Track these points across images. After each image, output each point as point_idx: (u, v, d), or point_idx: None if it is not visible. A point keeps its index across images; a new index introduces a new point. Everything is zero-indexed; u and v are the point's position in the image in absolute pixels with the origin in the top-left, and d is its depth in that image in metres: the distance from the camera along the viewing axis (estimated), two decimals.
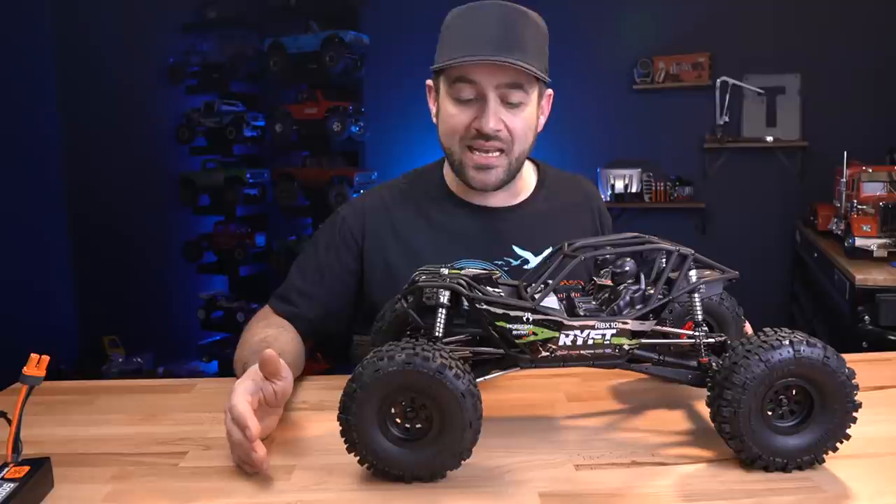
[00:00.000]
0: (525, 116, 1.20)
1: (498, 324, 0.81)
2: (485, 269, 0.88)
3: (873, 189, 2.73)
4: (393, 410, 0.77)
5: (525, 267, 1.27)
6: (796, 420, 0.79)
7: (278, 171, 4.24)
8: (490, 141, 1.18)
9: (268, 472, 0.82)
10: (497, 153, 1.20)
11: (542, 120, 1.29)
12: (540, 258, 1.28)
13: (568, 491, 0.76)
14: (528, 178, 1.37)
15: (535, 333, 0.81)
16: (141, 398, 1.11)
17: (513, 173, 1.25)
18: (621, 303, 0.84)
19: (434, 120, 1.28)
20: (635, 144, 4.12)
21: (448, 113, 1.21)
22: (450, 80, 1.19)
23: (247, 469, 0.83)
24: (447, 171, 1.34)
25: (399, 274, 1.25)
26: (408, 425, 0.77)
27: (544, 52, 1.19)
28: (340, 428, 0.76)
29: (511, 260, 1.29)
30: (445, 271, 0.85)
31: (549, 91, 1.29)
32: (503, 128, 1.18)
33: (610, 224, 1.44)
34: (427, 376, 0.73)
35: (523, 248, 1.29)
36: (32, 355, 0.79)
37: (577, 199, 1.41)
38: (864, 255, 2.61)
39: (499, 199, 1.31)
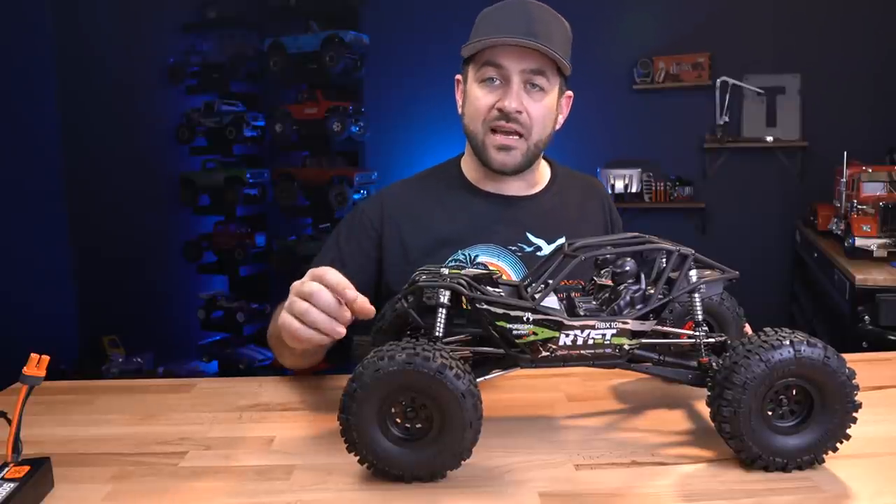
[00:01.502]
0: (545, 104, 1.26)
1: (498, 324, 0.81)
2: (485, 270, 0.88)
3: (873, 189, 2.73)
4: (393, 410, 0.77)
5: (538, 254, 1.30)
6: (796, 420, 0.78)
7: (278, 171, 4.24)
8: (511, 122, 1.24)
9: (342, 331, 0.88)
10: (516, 136, 1.26)
11: (561, 119, 1.35)
12: (552, 246, 1.31)
13: (568, 491, 0.76)
14: (543, 172, 1.42)
15: (535, 333, 0.81)
16: (141, 398, 1.11)
17: (530, 159, 1.29)
18: (621, 303, 0.84)
19: (460, 111, 1.34)
20: (635, 144, 4.12)
21: (474, 95, 1.27)
22: (478, 64, 1.25)
23: (311, 338, 0.89)
24: (465, 163, 1.39)
25: (415, 258, 1.28)
26: (408, 425, 0.77)
27: (567, 50, 1.25)
28: (340, 428, 0.76)
29: (525, 246, 1.31)
30: (445, 271, 0.85)
31: (569, 92, 1.34)
32: (524, 111, 1.23)
33: (620, 222, 1.47)
34: (427, 376, 0.73)
35: (537, 236, 1.32)
36: (32, 355, 0.79)
37: (588, 194, 1.45)
38: (864, 255, 2.61)
39: (515, 189, 1.36)
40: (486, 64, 1.23)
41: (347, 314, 0.89)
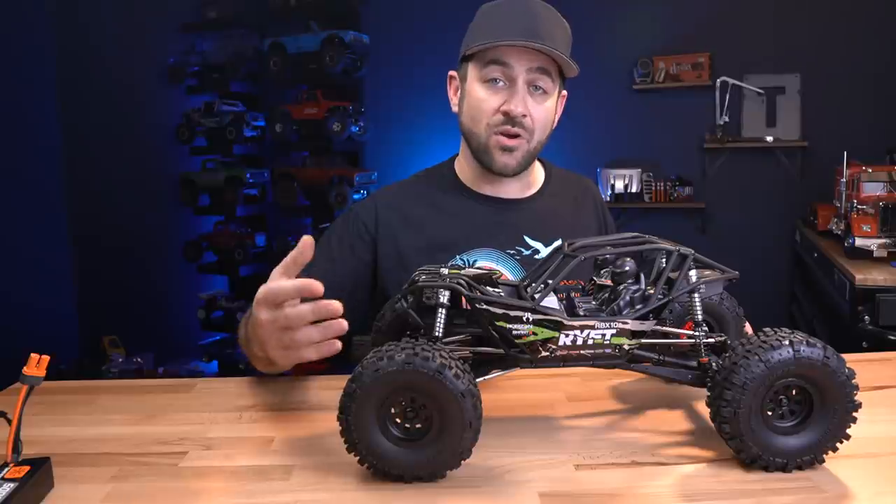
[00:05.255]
0: (547, 107, 1.25)
1: (498, 324, 0.81)
2: (485, 270, 0.88)
3: (873, 189, 2.73)
4: (393, 410, 0.77)
5: (536, 257, 1.29)
6: (796, 420, 0.78)
7: (278, 171, 4.24)
8: (515, 127, 1.22)
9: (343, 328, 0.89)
10: (519, 138, 1.24)
11: (556, 119, 1.33)
12: (549, 248, 1.30)
13: (568, 491, 0.76)
14: (538, 173, 1.41)
15: (535, 333, 0.81)
16: (141, 398, 1.11)
17: (529, 161, 1.29)
18: (621, 303, 0.84)
19: (454, 109, 1.32)
20: (635, 144, 4.13)
21: (477, 97, 1.24)
22: (482, 63, 1.22)
23: (309, 355, 0.92)
24: (459, 165, 1.37)
25: (411, 262, 1.26)
26: (408, 425, 0.77)
27: (569, 51, 1.23)
28: (340, 428, 0.76)
29: (522, 249, 1.30)
30: (445, 271, 0.85)
31: (564, 92, 1.33)
32: (528, 114, 1.22)
33: (612, 222, 1.47)
34: (427, 376, 0.73)
35: (534, 239, 1.31)
36: (32, 355, 0.79)
37: (582, 195, 1.44)
38: (864, 255, 2.61)
39: (510, 191, 1.34)
40: (492, 62, 1.20)
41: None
